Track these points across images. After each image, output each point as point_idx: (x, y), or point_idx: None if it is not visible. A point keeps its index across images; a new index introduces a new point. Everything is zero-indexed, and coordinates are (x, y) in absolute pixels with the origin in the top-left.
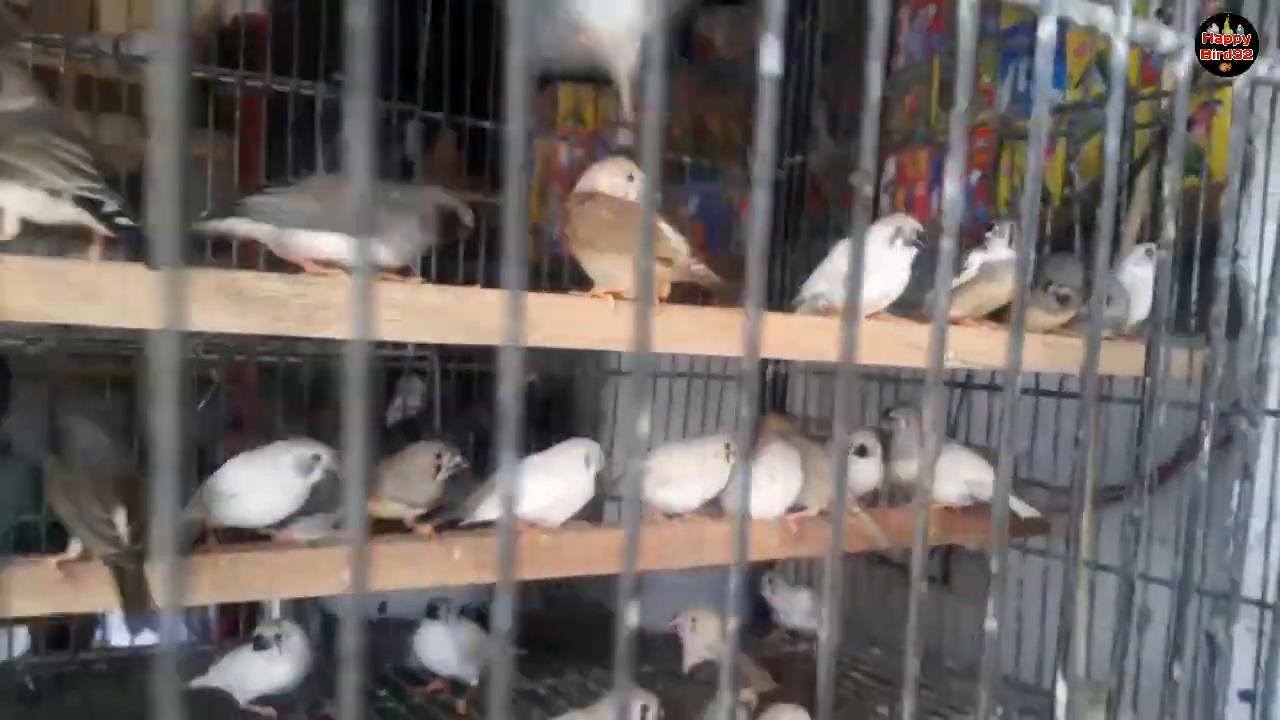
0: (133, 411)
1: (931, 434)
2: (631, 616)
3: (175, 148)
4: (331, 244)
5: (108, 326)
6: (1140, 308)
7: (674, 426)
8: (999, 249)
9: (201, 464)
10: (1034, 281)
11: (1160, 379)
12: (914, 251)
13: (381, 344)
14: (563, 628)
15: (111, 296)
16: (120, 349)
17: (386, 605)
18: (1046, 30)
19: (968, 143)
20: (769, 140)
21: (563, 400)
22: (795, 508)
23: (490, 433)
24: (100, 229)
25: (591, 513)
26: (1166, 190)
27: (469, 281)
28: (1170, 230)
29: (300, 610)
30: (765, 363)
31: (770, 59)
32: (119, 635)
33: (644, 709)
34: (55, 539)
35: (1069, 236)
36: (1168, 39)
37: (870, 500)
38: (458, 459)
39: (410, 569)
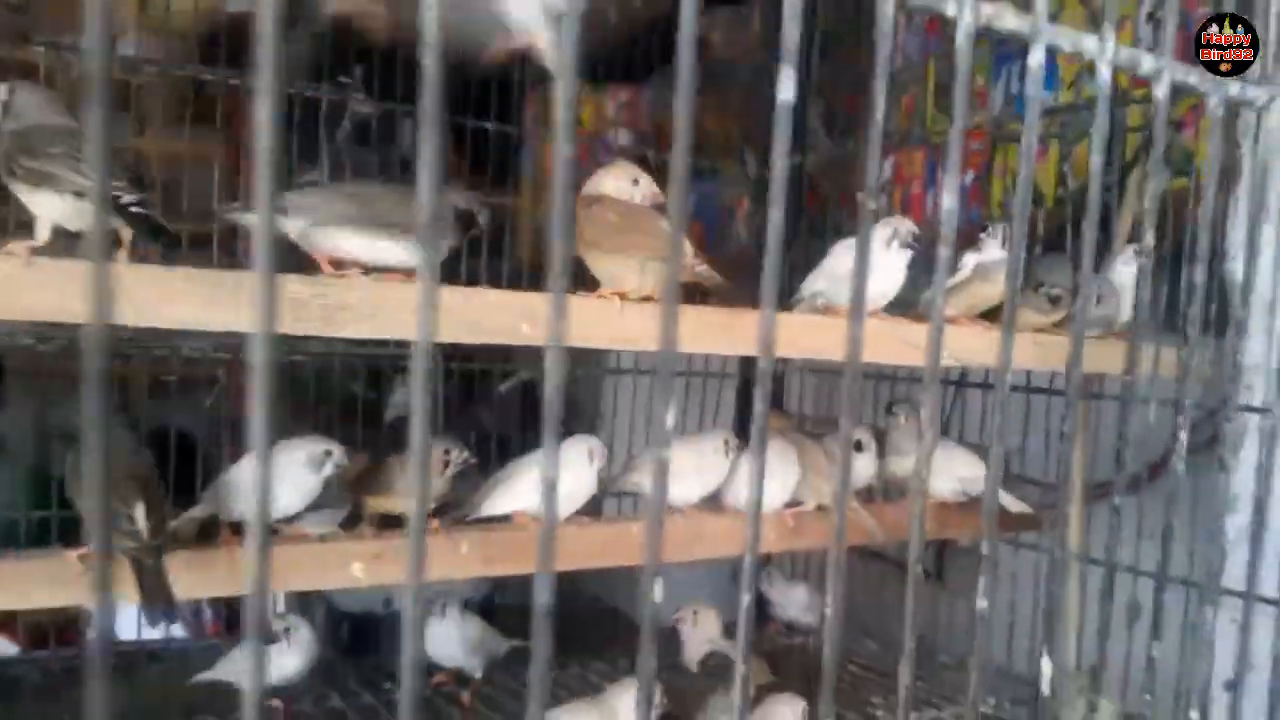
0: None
1: (930, 429)
2: (657, 592)
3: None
4: (359, 244)
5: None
6: (1130, 307)
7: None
8: (993, 250)
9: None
10: (1026, 282)
11: (1142, 377)
12: (910, 253)
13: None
14: (563, 622)
15: (138, 298)
16: (127, 349)
17: (392, 600)
18: (1036, 58)
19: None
20: (783, 163)
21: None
22: (792, 503)
23: (491, 431)
24: (123, 227)
25: (590, 509)
26: (1145, 202)
27: (471, 281)
28: (1150, 239)
29: (305, 604)
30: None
31: (786, 89)
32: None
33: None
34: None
35: (1061, 237)
36: (1147, 63)
37: (865, 496)
38: (465, 455)
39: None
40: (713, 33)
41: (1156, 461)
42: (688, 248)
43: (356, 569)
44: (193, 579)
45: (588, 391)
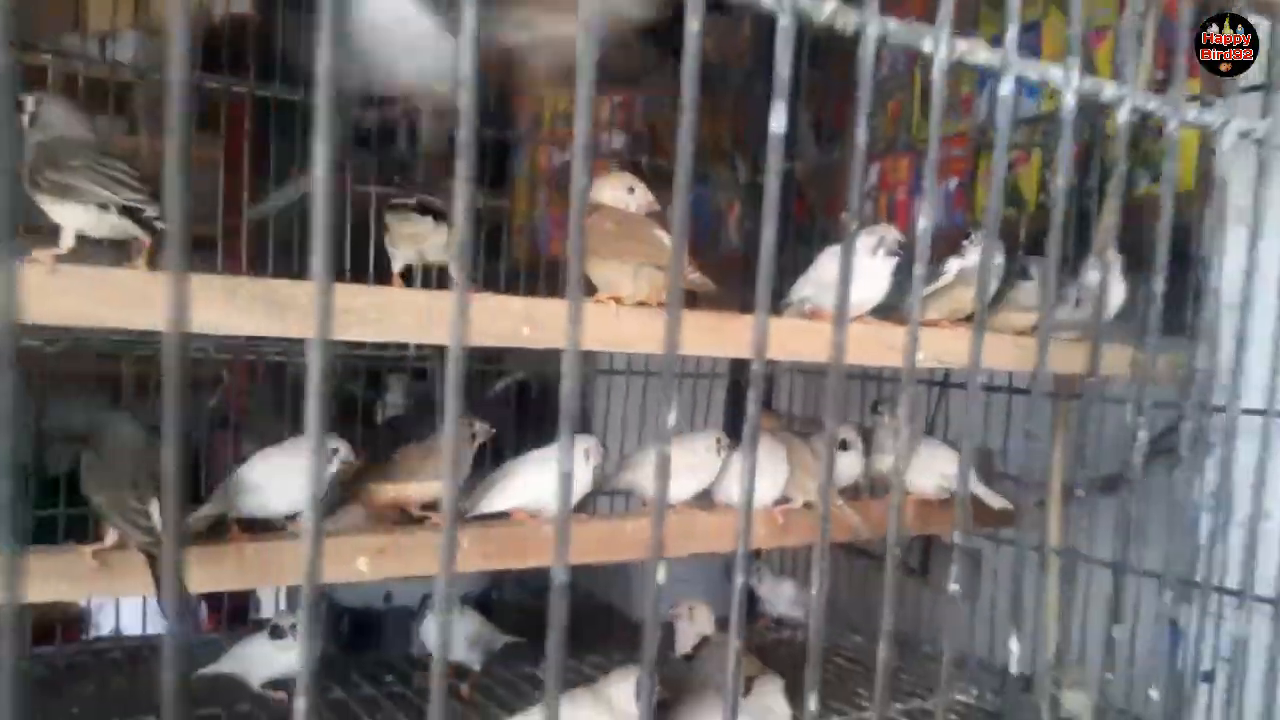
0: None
1: (907, 426)
2: (660, 574)
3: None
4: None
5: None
6: (1108, 309)
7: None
8: (975, 256)
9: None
10: (1008, 285)
11: (1099, 379)
12: (895, 260)
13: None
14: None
15: (159, 303)
16: (136, 349)
17: (392, 595)
18: (1006, 89)
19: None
20: (775, 187)
21: (555, 397)
22: (781, 500)
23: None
24: (142, 235)
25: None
26: (1106, 219)
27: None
28: (1110, 254)
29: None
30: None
31: (778, 121)
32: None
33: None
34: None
35: (1044, 241)
36: (1109, 91)
37: (851, 493)
38: (487, 425)
39: (424, 557)
40: (704, 38)
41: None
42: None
43: (361, 563)
44: (204, 574)
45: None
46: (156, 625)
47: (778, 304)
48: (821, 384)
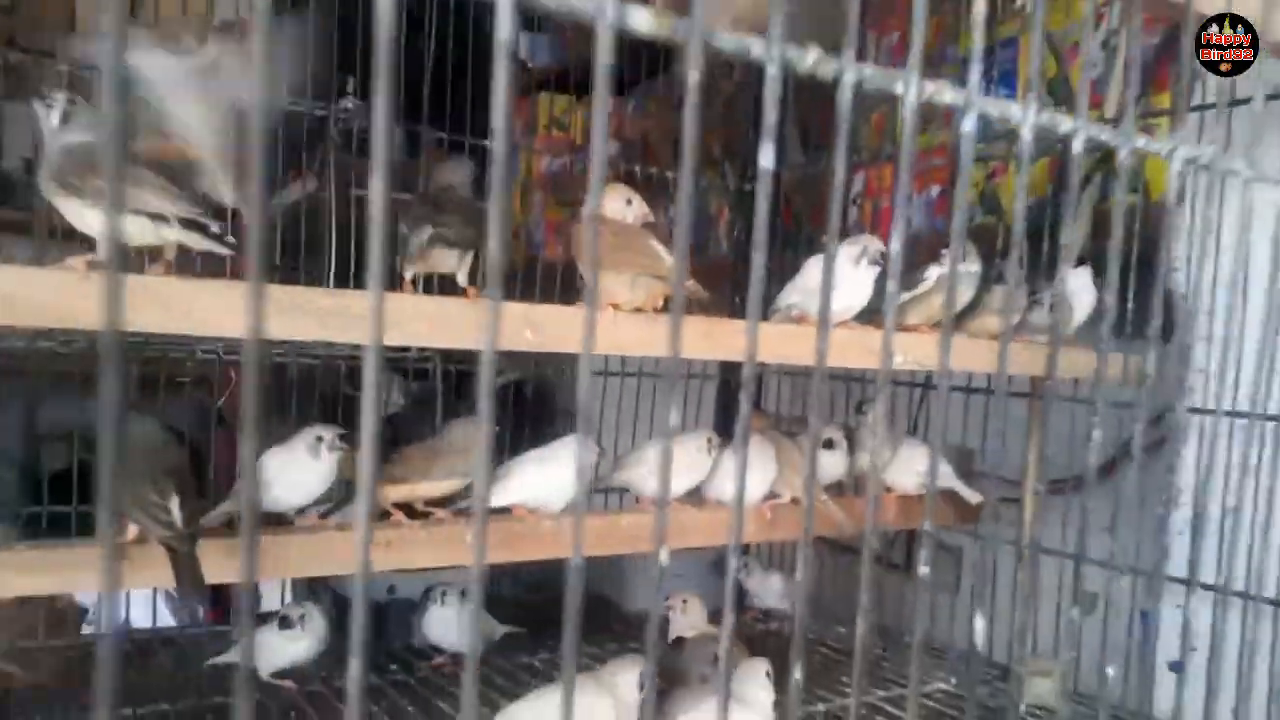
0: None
1: (884, 426)
2: (664, 556)
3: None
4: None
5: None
6: (1079, 315)
7: (658, 421)
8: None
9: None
10: (984, 290)
11: (1056, 383)
12: (878, 269)
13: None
14: (552, 609)
15: (182, 308)
16: (144, 351)
17: (395, 588)
18: (968, 126)
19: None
20: (766, 217)
21: (547, 398)
22: (769, 496)
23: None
24: (219, 249)
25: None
26: (1065, 237)
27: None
28: (1064, 271)
29: (311, 591)
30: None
31: (766, 157)
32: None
33: (643, 675)
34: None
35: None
36: (1065, 125)
37: (836, 490)
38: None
39: (430, 551)
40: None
41: (1107, 462)
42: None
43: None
44: (219, 567)
45: (568, 392)
46: (165, 618)
47: (766, 310)
48: (808, 385)
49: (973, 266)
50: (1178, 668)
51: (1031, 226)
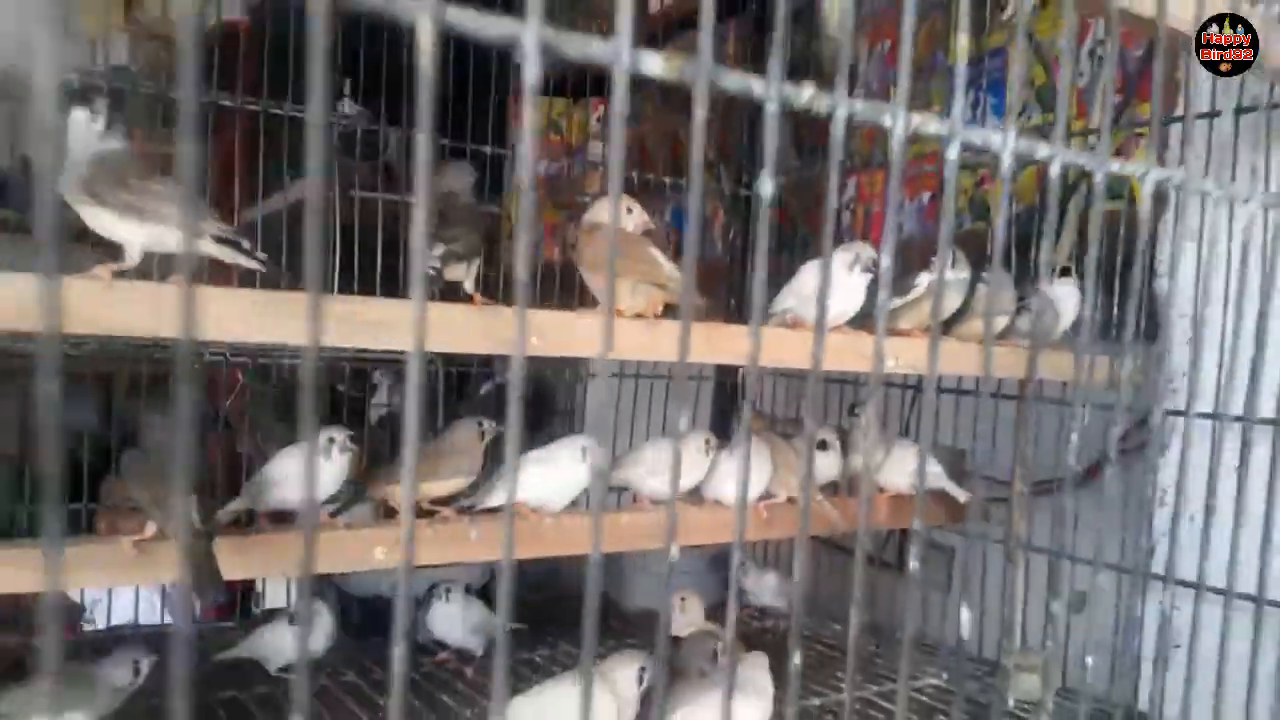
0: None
1: (875, 428)
2: (674, 552)
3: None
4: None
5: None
6: (1066, 321)
7: (654, 421)
8: (946, 271)
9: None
10: (974, 295)
11: (1037, 387)
12: (870, 276)
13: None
14: (552, 607)
15: (210, 314)
16: (154, 353)
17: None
18: (952, 154)
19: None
20: (764, 247)
21: (545, 398)
22: (765, 496)
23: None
24: (246, 263)
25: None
26: (1044, 254)
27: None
28: (1045, 284)
29: (315, 588)
30: (737, 368)
31: (766, 187)
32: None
33: (641, 669)
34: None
35: (1007, 255)
36: (1042, 151)
37: (830, 490)
38: (494, 424)
39: (438, 548)
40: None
41: (1093, 464)
42: (677, 274)
43: (379, 553)
44: (236, 563)
45: (563, 392)
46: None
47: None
48: (802, 387)
49: (962, 273)
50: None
51: (1021, 233)
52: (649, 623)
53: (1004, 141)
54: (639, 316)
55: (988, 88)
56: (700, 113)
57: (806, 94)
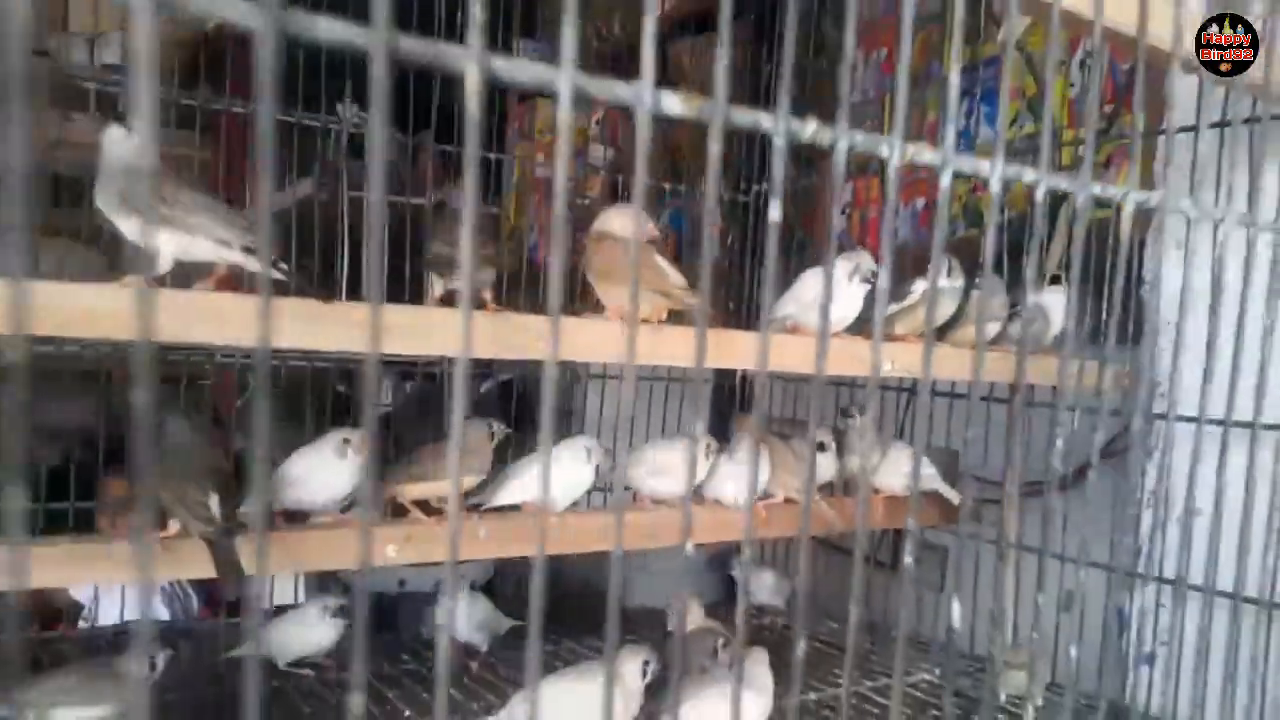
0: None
1: (871, 433)
2: (689, 547)
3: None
4: None
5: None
6: (1056, 326)
7: (654, 422)
8: (941, 279)
9: None
10: (968, 301)
11: (1029, 390)
12: (868, 286)
13: None
14: (556, 604)
15: (236, 321)
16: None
17: (406, 581)
18: (945, 181)
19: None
20: (774, 268)
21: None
22: (763, 496)
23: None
24: (274, 274)
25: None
26: (1030, 271)
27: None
28: (1029, 297)
29: (324, 585)
30: (734, 371)
31: (774, 212)
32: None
33: (645, 663)
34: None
35: (1000, 261)
36: (1029, 175)
37: (827, 491)
38: (503, 426)
39: (444, 545)
40: (683, 58)
41: (1081, 466)
42: (681, 282)
43: (391, 550)
44: (248, 559)
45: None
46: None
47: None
48: (799, 389)
49: (956, 281)
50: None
51: (1013, 241)
52: (650, 620)
53: (993, 169)
54: (644, 322)
55: (981, 97)
56: (715, 148)
57: (811, 128)
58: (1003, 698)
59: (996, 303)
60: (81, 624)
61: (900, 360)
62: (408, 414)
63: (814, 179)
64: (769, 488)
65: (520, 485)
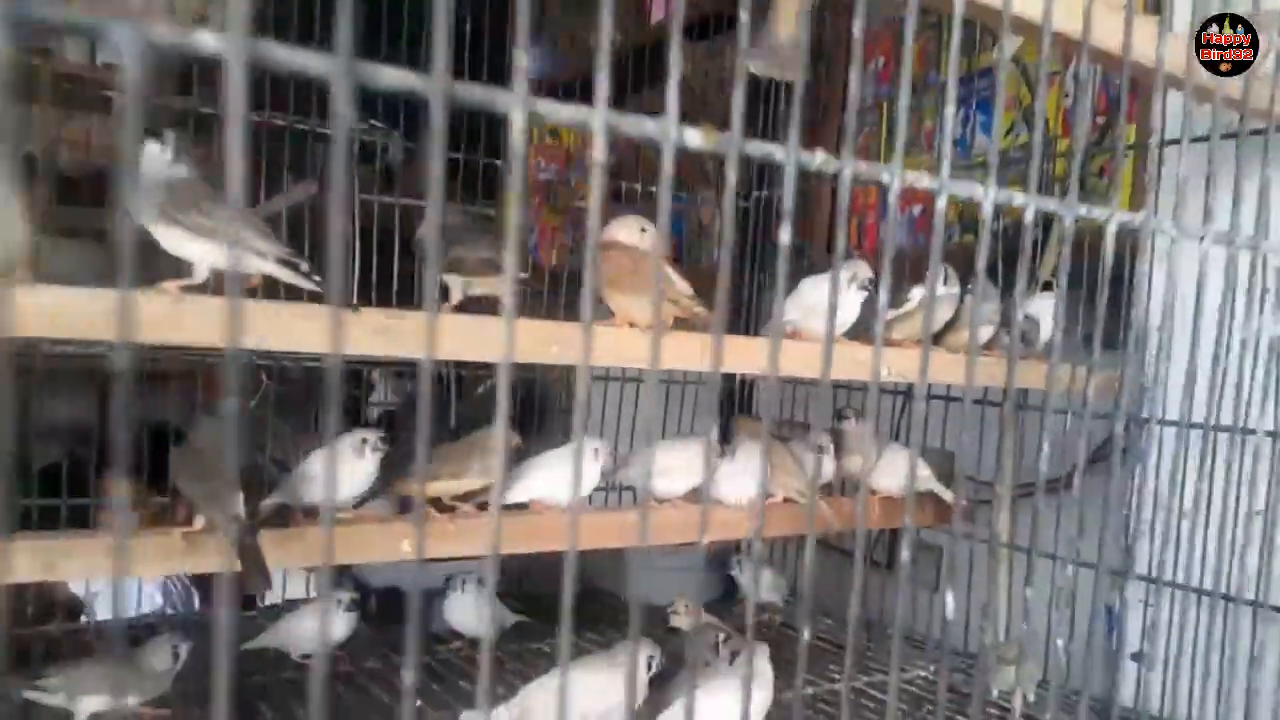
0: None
1: (871, 439)
2: (702, 542)
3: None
4: None
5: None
6: (1048, 332)
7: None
8: (938, 287)
9: None
10: (962, 308)
11: (1014, 393)
12: (865, 294)
13: None
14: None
15: (260, 328)
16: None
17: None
18: (940, 205)
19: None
20: (783, 285)
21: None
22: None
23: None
24: (304, 284)
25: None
26: (1020, 287)
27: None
28: (1019, 313)
29: (334, 579)
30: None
31: (785, 235)
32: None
33: (650, 658)
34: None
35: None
36: (1019, 198)
37: (825, 491)
38: (518, 437)
39: (461, 541)
40: (689, 64)
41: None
42: (688, 290)
43: (405, 545)
44: (274, 554)
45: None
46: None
47: (763, 324)
48: (796, 392)
49: (952, 288)
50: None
51: (1009, 249)
52: (651, 616)
53: (985, 194)
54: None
55: (977, 106)
56: (731, 176)
57: (819, 158)
58: (994, 693)
59: (990, 308)
60: (82, 620)
61: (897, 365)
62: (406, 413)
63: (810, 184)
64: (769, 488)
65: (527, 485)
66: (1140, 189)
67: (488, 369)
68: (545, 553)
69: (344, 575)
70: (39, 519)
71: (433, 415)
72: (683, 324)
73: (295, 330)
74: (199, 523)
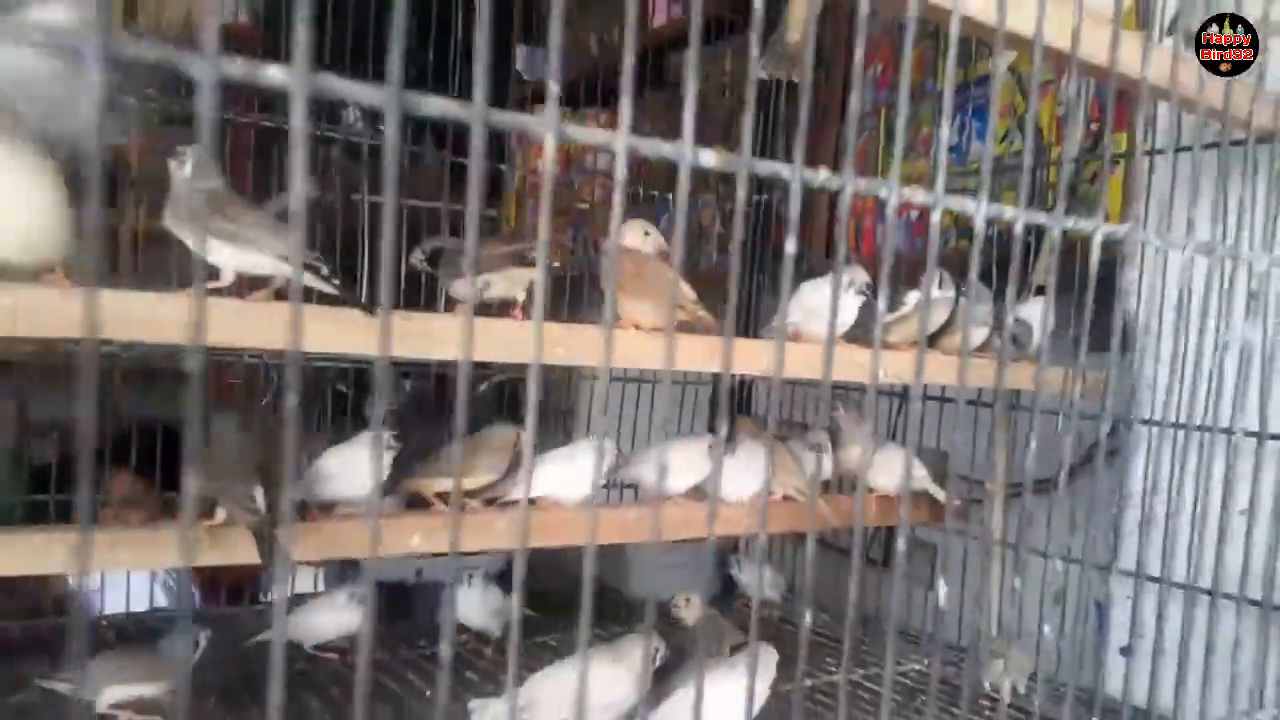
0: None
1: (867, 441)
2: (711, 538)
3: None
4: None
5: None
6: (1038, 336)
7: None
8: (931, 289)
9: None
10: (958, 311)
11: (1004, 394)
12: (863, 299)
13: None
14: (560, 595)
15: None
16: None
17: (422, 571)
18: (935, 219)
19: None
20: (787, 291)
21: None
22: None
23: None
24: (327, 288)
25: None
26: (1010, 295)
27: None
28: (1010, 317)
29: (343, 574)
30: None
31: (790, 245)
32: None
33: (655, 650)
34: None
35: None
36: (1010, 212)
37: (822, 488)
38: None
39: (468, 536)
40: (685, 70)
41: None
42: (692, 295)
43: (416, 540)
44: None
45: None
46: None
47: (764, 327)
48: (795, 391)
49: (948, 292)
50: (1126, 651)
51: (1003, 254)
52: (662, 613)
53: (977, 207)
54: (657, 331)
55: (973, 113)
56: (742, 193)
57: (822, 176)
58: (986, 685)
59: (984, 311)
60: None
61: (893, 367)
62: (409, 413)
63: (812, 192)
64: (768, 486)
65: (537, 481)
66: (1130, 195)
67: (488, 369)
68: (548, 548)
69: (353, 568)
70: (28, 516)
71: (434, 415)
72: (684, 327)
73: (344, 335)
74: (219, 517)
